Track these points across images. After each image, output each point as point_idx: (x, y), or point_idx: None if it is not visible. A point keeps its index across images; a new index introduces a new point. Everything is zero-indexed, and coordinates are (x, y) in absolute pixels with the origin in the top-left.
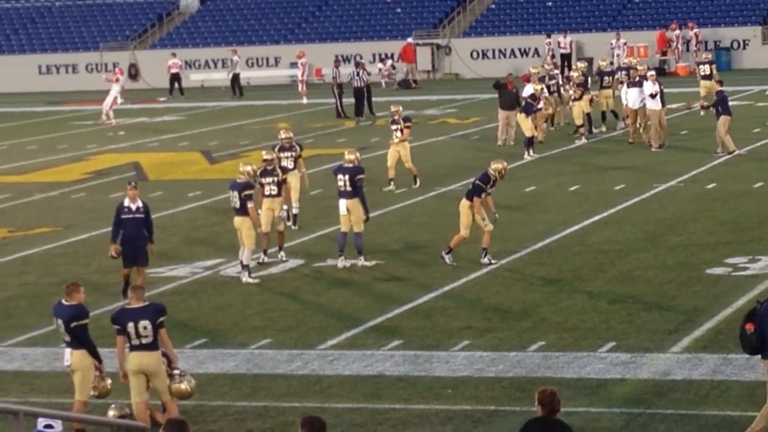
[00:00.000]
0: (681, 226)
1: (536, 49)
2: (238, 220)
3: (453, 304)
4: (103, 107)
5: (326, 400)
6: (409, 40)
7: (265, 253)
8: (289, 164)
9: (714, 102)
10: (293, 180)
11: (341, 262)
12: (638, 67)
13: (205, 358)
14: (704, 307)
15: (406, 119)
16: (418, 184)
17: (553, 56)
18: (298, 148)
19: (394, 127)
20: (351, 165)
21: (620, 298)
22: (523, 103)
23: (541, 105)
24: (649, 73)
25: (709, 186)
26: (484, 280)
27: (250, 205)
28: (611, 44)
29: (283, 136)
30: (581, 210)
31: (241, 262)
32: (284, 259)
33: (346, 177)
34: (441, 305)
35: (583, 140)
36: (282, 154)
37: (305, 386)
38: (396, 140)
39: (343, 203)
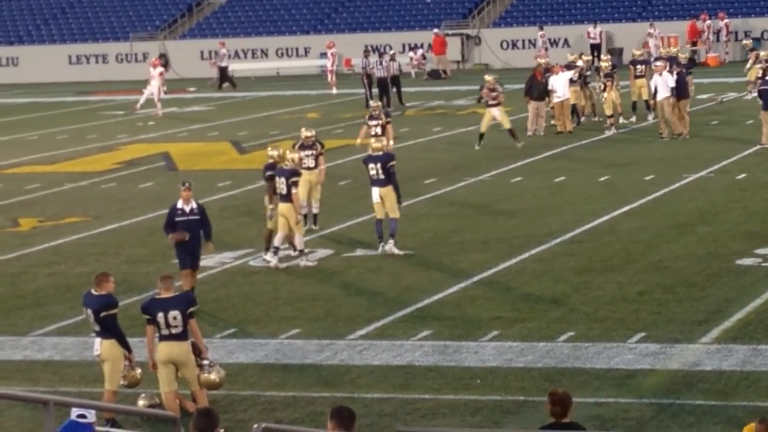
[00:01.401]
0: (711, 216)
1: (566, 39)
2: (284, 207)
3: (482, 294)
4: (154, 97)
5: (355, 390)
6: (436, 30)
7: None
8: (311, 162)
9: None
10: (314, 179)
11: (381, 248)
12: (680, 56)
13: (235, 348)
14: (734, 297)
15: (386, 114)
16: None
17: (546, 49)
18: (319, 146)
19: (373, 122)
20: (381, 153)
21: (650, 288)
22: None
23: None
24: (655, 64)
25: (740, 176)
26: (514, 271)
27: (294, 191)
28: (648, 33)
29: (305, 134)
30: (611, 200)
31: (295, 247)
32: (268, 260)
33: (378, 165)
34: (470, 295)
35: (613, 131)
36: (303, 153)
37: (334, 376)
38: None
39: (376, 191)
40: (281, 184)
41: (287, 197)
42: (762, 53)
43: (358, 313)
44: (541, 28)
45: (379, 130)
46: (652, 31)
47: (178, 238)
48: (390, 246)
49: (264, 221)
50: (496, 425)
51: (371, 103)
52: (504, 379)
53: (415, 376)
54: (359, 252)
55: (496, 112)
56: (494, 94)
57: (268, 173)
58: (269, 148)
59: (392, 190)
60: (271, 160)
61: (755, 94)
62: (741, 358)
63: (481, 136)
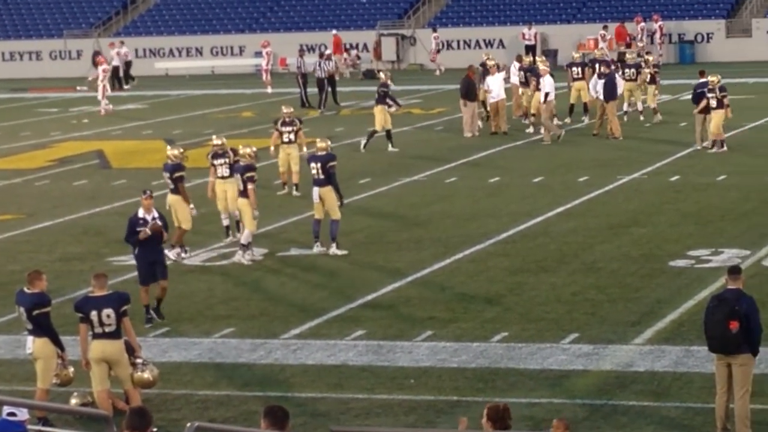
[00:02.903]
0: (645, 218)
1: (501, 41)
2: (241, 202)
3: (416, 294)
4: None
5: (289, 390)
6: (334, 32)
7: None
8: (292, 137)
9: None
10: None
11: (317, 248)
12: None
13: (168, 347)
14: (667, 299)
15: (300, 120)
16: (298, 192)
17: (438, 51)
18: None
19: (286, 129)
20: (323, 153)
21: (584, 289)
22: (379, 95)
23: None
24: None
25: (673, 178)
26: (448, 271)
27: (250, 186)
28: (601, 35)
29: (284, 111)
30: (545, 201)
31: (239, 241)
32: (183, 257)
33: (318, 165)
34: (404, 295)
35: (532, 130)
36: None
37: (268, 375)
38: (286, 142)
39: (316, 191)
40: (237, 180)
41: (244, 193)
42: None
43: (292, 312)
44: (435, 30)
45: (293, 136)
46: (604, 33)
47: (143, 237)
48: (333, 249)
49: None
50: (429, 425)
51: (283, 109)
52: (437, 379)
53: (348, 376)
54: (294, 251)
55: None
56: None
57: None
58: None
59: (332, 191)
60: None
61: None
62: (674, 359)
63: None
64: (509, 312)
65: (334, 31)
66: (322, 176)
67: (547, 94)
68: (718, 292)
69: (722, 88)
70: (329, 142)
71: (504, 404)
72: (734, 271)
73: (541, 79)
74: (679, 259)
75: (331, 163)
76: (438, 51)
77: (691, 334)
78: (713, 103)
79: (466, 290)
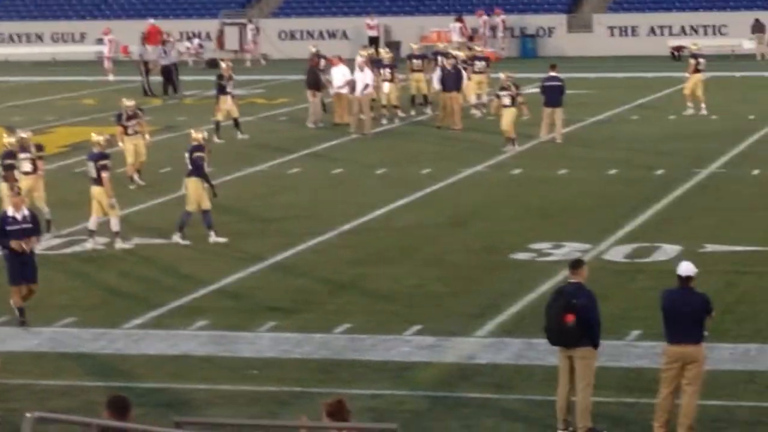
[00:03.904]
0: (487, 211)
1: (344, 32)
2: (96, 191)
3: (259, 284)
4: None
5: (131, 380)
6: (151, 20)
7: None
8: (137, 129)
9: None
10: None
11: (177, 238)
12: (452, 52)
13: (7, 336)
14: (509, 291)
15: (141, 110)
16: (142, 183)
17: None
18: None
19: (130, 123)
20: (194, 143)
21: (426, 281)
22: (219, 86)
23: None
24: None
25: (515, 172)
26: (291, 262)
27: (104, 174)
28: (449, 28)
29: (126, 103)
30: (388, 193)
31: (112, 230)
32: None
33: (186, 155)
34: (247, 286)
35: (397, 122)
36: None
37: (110, 365)
38: (133, 134)
39: (184, 182)
40: (91, 167)
41: (98, 181)
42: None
43: (134, 302)
44: (251, 21)
45: (138, 128)
46: (460, 25)
47: (18, 249)
48: (213, 238)
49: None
50: (272, 416)
51: (125, 101)
52: (280, 370)
53: (190, 367)
54: (137, 240)
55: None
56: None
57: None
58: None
59: (200, 181)
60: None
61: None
62: (515, 351)
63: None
64: (352, 304)
65: (151, 21)
66: (189, 167)
67: (366, 86)
68: (559, 286)
69: (516, 86)
70: (205, 134)
71: (339, 398)
72: (575, 264)
73: (360, 72)
74: (521, 252)
75: (198, 154)
76: (255, 42)
77: (533, 327)
78: (507, 101)
79: (309, 281)
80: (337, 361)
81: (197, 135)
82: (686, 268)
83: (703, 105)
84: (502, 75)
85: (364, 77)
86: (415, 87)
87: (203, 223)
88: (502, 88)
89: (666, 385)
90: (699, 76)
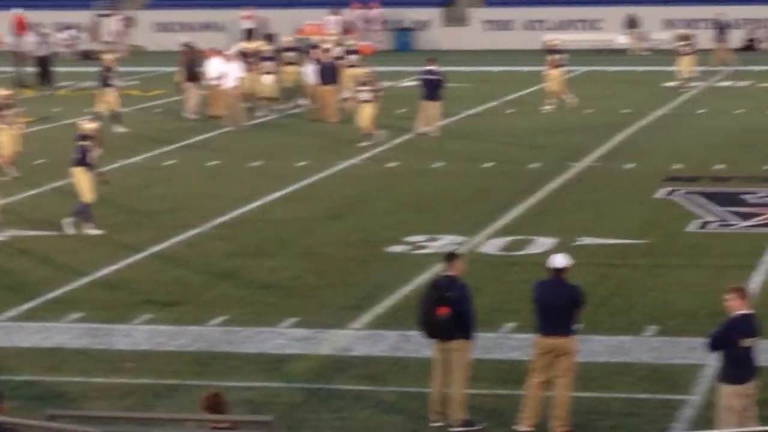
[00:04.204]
0: (362, 204)
1: (220, 24)
2: None
3: (134, 276)
4: None
5: (4, 373)
6: (17, 10)
7: None
8: (13, 119)
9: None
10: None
11: (68, 226)
12: (327, 46)
13: None
14: (385, 284)
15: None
16: (15, 174)
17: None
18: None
19: (7, 112)
20: (81, 132)
21: (302, 274)
22: (102, 77)
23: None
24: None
25: (391, 165)
26: (166, 254)
27: None
28: (325, 21)
29: (1, 93)
30: (263, 186)
31: None
32: None
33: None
34: (122, 278)
35: (272, 115)
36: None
37: None
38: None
39: (72, 171)
40: None
41: None
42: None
43: (7, 294)
44: (104, 15)
45: (13, 118)
46: (336, 18)
47: None
48: (86, 230)
49: None
50: (147, 408)
51: (0, 91)
52: (156, 362)
53: (65, 359)
54: (11, 233)
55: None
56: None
57: None
58: None
59: (83, 172)
60: None
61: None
62: (391, 343)
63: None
64: (228, 296)
65: (19, 11)
66: (79, 156)
67: (236, 78)
68: (433, 279)
69: (372, 82)
70: (95, 125)
71: (215, 391)
72: (449, 257)
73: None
74: (396, 245)
75: (82, 143)
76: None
77: (408, 320)
78: (365, 96)
79: (185, 273)
80: (212, 353)
81: (88, 125)
82: (558, 260)
83: (567, 98)
84: (362, 70)
85: (235, 69)
86: (288, 80)
87: (76, 213)
88: (362, 84)
89: (535, 375)
90: (559, 71)
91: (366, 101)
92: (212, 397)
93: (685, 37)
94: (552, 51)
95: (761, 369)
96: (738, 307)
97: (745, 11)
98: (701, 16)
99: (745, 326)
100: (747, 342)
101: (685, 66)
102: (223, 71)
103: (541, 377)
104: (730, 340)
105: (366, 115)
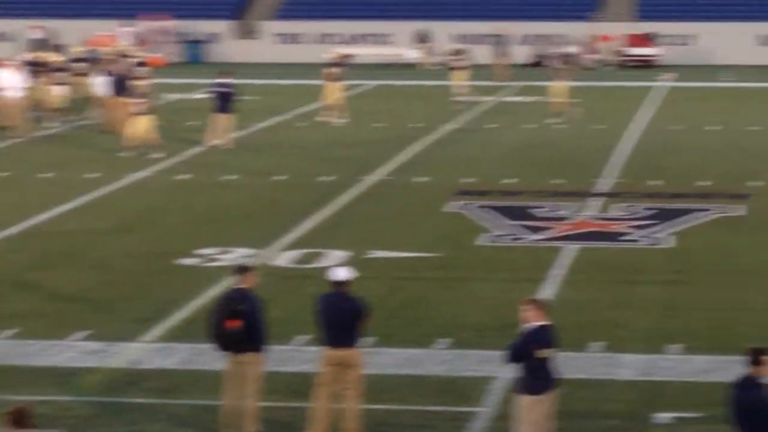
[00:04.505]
0: (152, 216)
1: (8, 34)
2: None
3: None
4: None
5: None
6: None
7: None
8: None
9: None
10: None
11: None
12: (117, 57)
13: None
14: (176, 297)
15: None
16: None
17: None
18: None
19: None
20: None
21: (94, 286)
22: None
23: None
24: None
25: (183, 177)
26: None
27: None
28: (117, 32)
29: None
30: (53, 197)
31: None
32: None
33: None
34: None
35: (61, 127)
36: None
37: None
38: None
39: None
40: None
41: None
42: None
43: None
44: None
45: None
46: (129, 29)
47: None
48: None
49: None
50: None
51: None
52: None
53: None
54: None
55: None
56: None
57: None
58: None
59: None
60: None
61: None
62: (183, 356)
63: None
64: (18, 308)
65: None
66: None
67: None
68: (224, 291)
69: (148, 94)
70: None
71: (21, 406)
72: (241, 270)
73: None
74: (187, 257)
75: None
76: None
77: (201, 332)
78: (141, 108)
79: None
80: (2, 366)
81: None
82: (339, 273)
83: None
84: (140, 83)
85: (17, 80)
86: (79, 91)
87: None
88: (141, 95)
89: (323, 388)
90: (337, 84)
91: (141, 113)
92: (17, 412)
93: (458, 52)
94: (331, 64)
95: (559, 380)
96: (534, 318)
97: (534, 28)
98: (490, 31)
99: (543, 337)
100: (545, 353)
101: (459, 80)
102: (10, 81)
103: (329, 390)
104: (527, 351)
105: (144, 126)
